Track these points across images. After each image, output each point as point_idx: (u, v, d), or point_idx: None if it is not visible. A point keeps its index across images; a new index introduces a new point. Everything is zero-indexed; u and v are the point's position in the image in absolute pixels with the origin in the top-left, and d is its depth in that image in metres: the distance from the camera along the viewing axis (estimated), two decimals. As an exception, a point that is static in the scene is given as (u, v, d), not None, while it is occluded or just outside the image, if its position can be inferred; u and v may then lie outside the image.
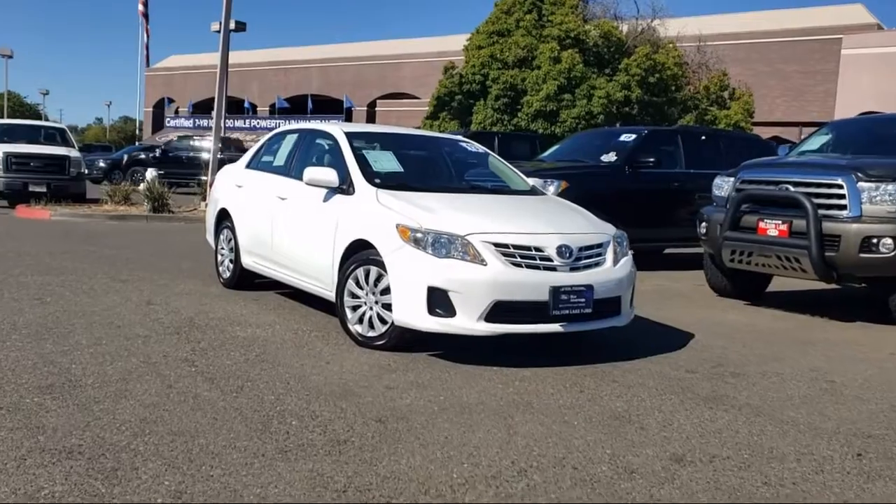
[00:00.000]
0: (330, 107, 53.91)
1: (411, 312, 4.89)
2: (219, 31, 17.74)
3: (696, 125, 20.91)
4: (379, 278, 5.18)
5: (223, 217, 7.53)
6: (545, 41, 22.40)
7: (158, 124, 62.79)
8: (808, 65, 38.17)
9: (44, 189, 16.28)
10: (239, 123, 53.68)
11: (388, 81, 52.84)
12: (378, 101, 51.74)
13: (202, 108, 58.97)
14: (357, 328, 5.33)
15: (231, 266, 7.30)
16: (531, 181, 6.65)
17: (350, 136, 6.15)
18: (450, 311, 4.80)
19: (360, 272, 5.29)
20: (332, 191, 5.78)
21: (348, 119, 50.88)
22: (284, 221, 6.35)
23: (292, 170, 6.57)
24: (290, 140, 6.95)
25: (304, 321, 6.10)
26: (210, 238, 7.96)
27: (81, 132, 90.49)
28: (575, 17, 22.97)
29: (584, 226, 5.52)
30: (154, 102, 64.84)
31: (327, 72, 56.04)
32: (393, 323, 5.06)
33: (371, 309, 5.25)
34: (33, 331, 5.31)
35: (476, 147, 6.94)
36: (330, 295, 5.71)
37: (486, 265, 4.81)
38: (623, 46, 23.35)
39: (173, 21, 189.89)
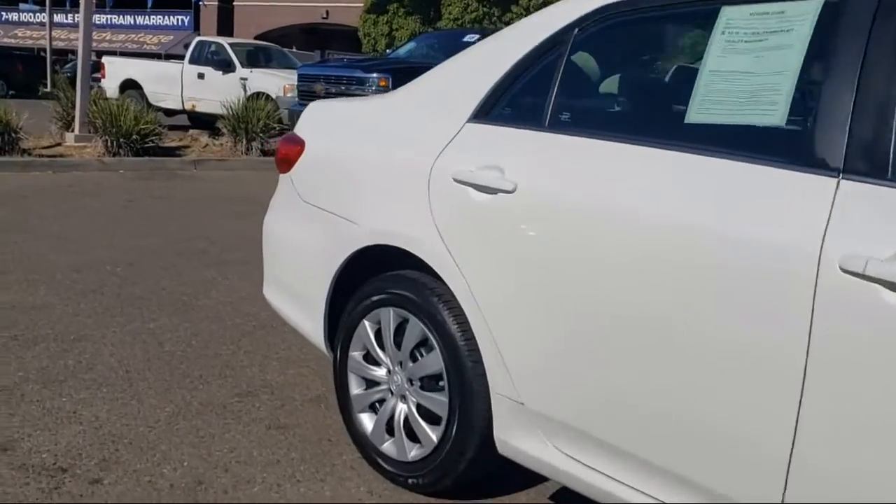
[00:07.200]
0: (173, 0, 45.29)
1: None
2: None
3: None
4: None
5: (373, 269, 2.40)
6: None
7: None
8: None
9: None
10: (60, 19, 44.00)
11: (246, -29, 45.00)
12: (236, -6, 44.08)
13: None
14: None
15: (431, 435, 2.26)
16: None
17: None
18: None
19: None
20: None
21: (196, 19, 43.18)
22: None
23: None
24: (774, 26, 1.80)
25: None
26: (310, 329, 2.75)
27: None
28: None
29: None
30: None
31: (168, -43, 47.16)
32: None
33: None
34: None
35: None
36: None
37: None
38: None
39: None
